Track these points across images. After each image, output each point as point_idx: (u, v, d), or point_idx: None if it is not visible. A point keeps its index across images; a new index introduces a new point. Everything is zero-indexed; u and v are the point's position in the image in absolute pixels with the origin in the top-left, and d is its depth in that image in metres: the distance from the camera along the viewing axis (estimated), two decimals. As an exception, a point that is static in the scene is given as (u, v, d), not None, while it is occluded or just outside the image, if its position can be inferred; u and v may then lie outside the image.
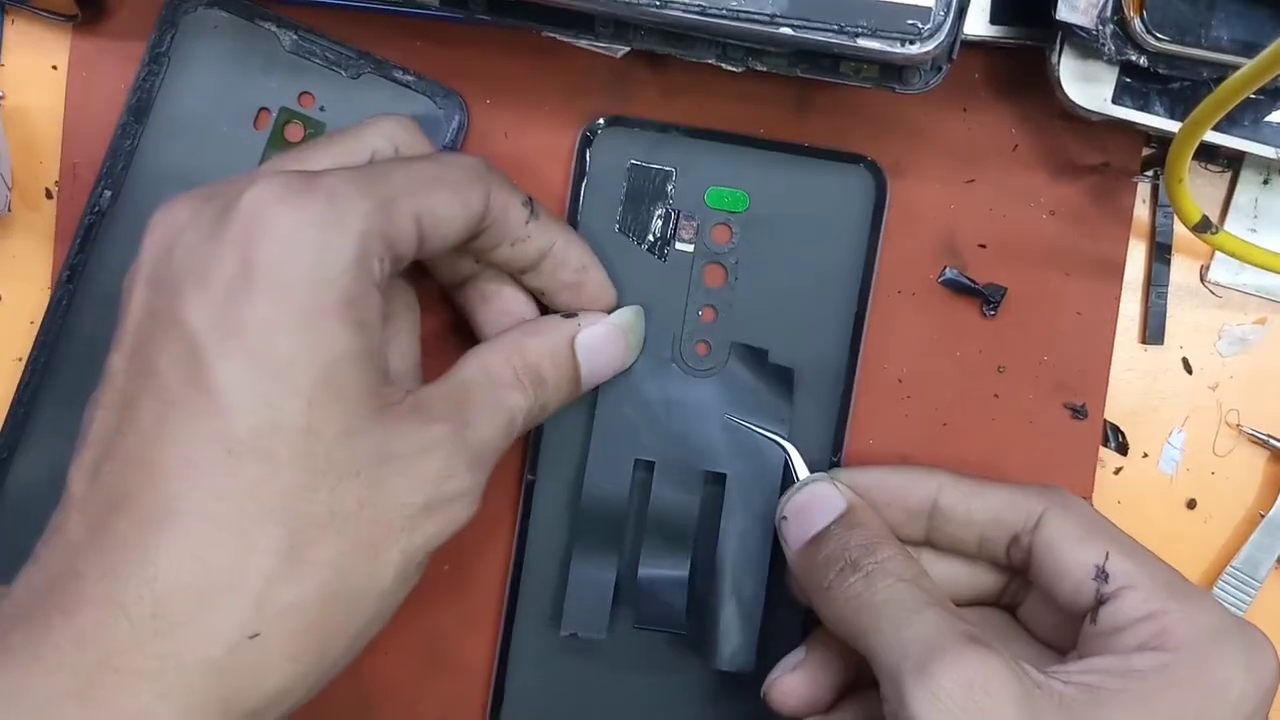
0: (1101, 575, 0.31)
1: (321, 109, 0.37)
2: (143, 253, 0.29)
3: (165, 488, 0.27)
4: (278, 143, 0.37)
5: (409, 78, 0.37)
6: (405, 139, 0.32)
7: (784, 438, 0.36)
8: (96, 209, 0.37)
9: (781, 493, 0.35)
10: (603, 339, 0.35)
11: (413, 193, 0.30)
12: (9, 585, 0.28)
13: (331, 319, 0.28)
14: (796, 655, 0.34)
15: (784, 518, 0.34)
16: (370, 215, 0.28)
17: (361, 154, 0.31)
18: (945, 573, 0.35)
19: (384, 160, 0.32)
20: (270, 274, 0.27)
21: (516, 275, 0.34)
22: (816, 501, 0.34)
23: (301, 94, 0.37)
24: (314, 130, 0.37)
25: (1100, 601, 0.31)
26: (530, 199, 0.33)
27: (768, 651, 0.36)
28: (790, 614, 0.37)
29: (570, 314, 0.35)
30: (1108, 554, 0.31)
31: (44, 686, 0.25)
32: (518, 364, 0.33)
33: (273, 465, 0.27)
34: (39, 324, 0.37)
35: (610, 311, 0.35)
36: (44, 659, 0.25)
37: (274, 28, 0.37)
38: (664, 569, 0.37)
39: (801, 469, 0.35)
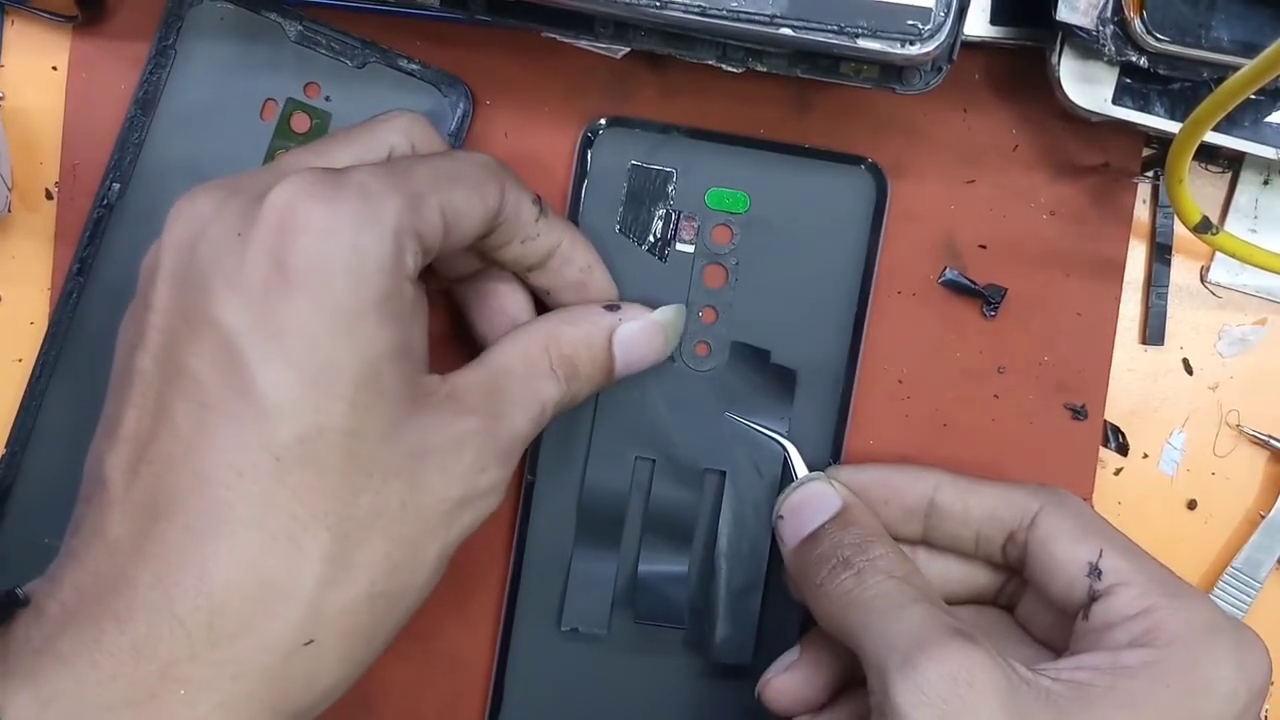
0: (1095, 572, 0.31)
1: (327, 99, 0.37)
2: (163, 247, 0.29)
3: (213, 496, 0.26)
4: (284, 133, 0.37)
5: (414, 66, 0.37)
6: (421, 135, 0.32)
7: (783, 436, 0.36)
8: (105, 202, 0.37)
9: (779, 491, 0.35)
10: (641, 334, 0.34)
11: (437, 188, 0.29)
12: (44, 579, 0.28)
13: (371, 318, 0.28)
14: (790, 655, 0.34)
15: (780, 516, 0.34)
16: (402, 211, 0.28)
17: (379, 150, 0.31)
18: (941, 571, 0.35)
19: (403, 157, 0.31)
20: (308, 274, 0.27)
21: (523, 273, 0.34)
22: (812, 500, 0.34)
23: (307, 84, 0.37)
24: (320, 120, 0.37)
25: (1093, 598, 0.31)
26: (539, 197, 0.33)
27: (765, 644, 0.37)
28: (788, 607, 0.37)
29: (613, 306, 0.34)
30: (1101, 551, 0.31)
31: (101, 695, 0.25)
32: (554, 354, 0.33)
33: (319, 470, 0.27)
34: (45, 320, 0.37)
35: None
36: (100, 667, 0.25)
37: (279, 18, 0.37)
38: (664, 564, 0.37)
39: (800, 467, 0.35)
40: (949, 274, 0.38)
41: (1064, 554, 0.31)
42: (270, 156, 0.37)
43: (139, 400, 0.28)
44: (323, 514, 0.27)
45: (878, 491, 0.34)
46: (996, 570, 0.35)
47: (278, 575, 0.27)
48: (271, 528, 0.27)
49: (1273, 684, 0.39)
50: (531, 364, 0.32)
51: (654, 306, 0.35)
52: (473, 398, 0.31)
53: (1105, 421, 0.39)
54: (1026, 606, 0.34)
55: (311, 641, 0.27)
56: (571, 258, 0.34)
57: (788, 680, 0.34)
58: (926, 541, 0.34)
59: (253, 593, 0.26)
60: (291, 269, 0.27)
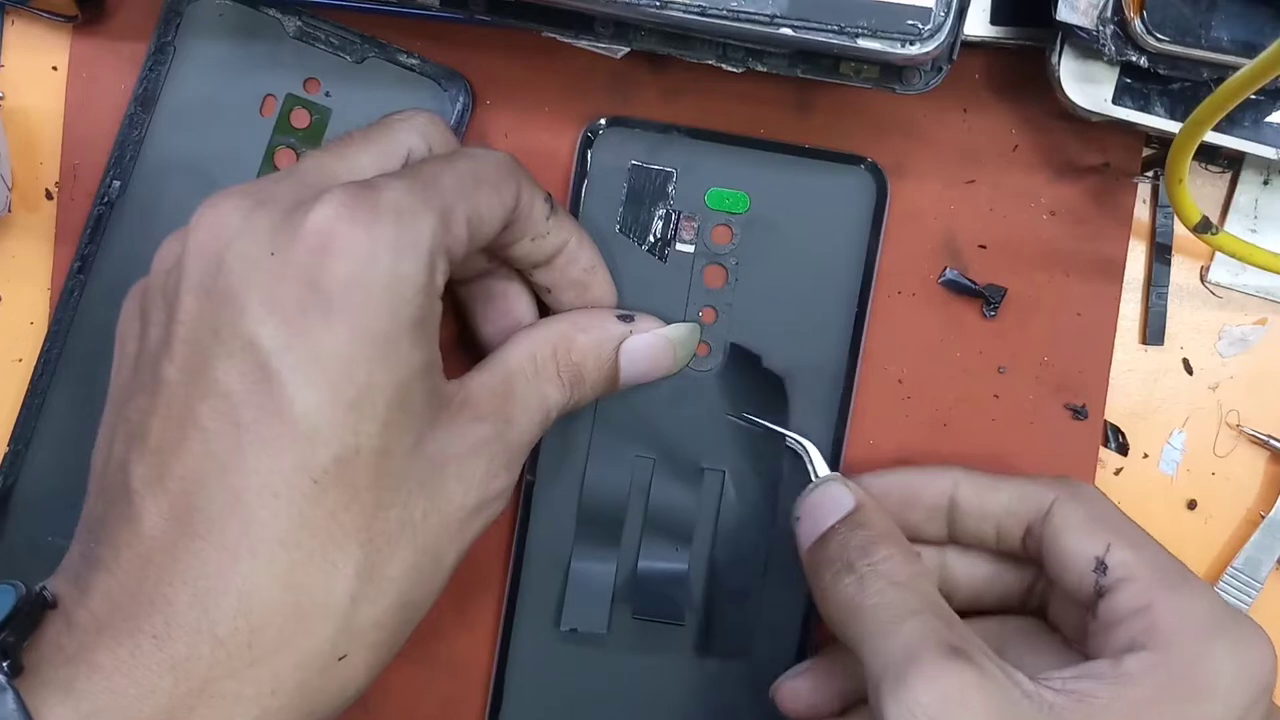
0: (1100, 567, 0.30)
1: (327, 94, 0.37)
2: (187, 254, 0.28)
3: (250, 516, 0.27)
4: (284, 129, 0.37)
5: (413, 61, 0.37)
6: (437, 136, 0.32)
7: (802, 436, 0.36)
8: (105, 199, 0.37)
9: (777, 489, 0.36)
10: (649, 348, 0.35)
11: (464, 197, 0.29)
12: (66, 582, 0.28)
13: (405, 341, 0.28)
14: (808, 661, 0.34)
15: (797, 518, 0.34)
16: (436, 231, 0.28)
17: (398, 151, 0.31)
18: (970, 571, 0.35)
19: (425, 161, 0.31)
20: (347, 298, 0.27)
21: (527, 270, 0.34)
22: (826, 501, 0.33)
23: (306, 80, 0.37)
24: (319, 115, 0.37)
25: (1099, 594, 0.30)
26: (549, 195, 0.33)
27: (764, 644, 0.37)
28: (787, 606, 0.37)
29: (626, 315, 0.35)
30: (1109, 545, 0.31)
31: (139, 709, 0.26)
32: (562, 359, 0.33)
33: (353, 490, 0.27)
34: (45, 320, 0.37)
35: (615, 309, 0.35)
36: (138, 682, 0.26)
37: (277, 14, 0.37)
38: (663, 562, 0.37)
39: (821, 467, 0.35)
40: (949, 274, 0.38)
41: (1074, 547, 0.31)
42: (270, 152, 0.37)
43: (164, 410, 0.28)
44: (354, 531, 0.27)
45: (900, 493, 0.34)
46: (1024, 567, 0.34)
47: (314, 594, 0.27)
48: (308, 547, 0.27)
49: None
50: (539, 368, 0.32)
51: (663, 316, 0.35)
52: (486, 403, 0.31)
53: (1105, 421, 0.39)
54: (1056, 605, 0.34)
55: (345, 656, 0.28)
56: (577, 257, 0.34)
57: (800, 685, 0.34)
58: (953, 540, 0.34)
59: (291, 612, 0.27)
60: (330, 293, 0.27)
